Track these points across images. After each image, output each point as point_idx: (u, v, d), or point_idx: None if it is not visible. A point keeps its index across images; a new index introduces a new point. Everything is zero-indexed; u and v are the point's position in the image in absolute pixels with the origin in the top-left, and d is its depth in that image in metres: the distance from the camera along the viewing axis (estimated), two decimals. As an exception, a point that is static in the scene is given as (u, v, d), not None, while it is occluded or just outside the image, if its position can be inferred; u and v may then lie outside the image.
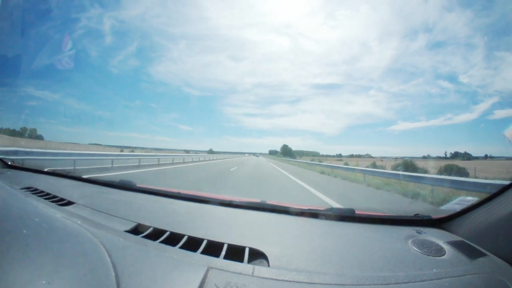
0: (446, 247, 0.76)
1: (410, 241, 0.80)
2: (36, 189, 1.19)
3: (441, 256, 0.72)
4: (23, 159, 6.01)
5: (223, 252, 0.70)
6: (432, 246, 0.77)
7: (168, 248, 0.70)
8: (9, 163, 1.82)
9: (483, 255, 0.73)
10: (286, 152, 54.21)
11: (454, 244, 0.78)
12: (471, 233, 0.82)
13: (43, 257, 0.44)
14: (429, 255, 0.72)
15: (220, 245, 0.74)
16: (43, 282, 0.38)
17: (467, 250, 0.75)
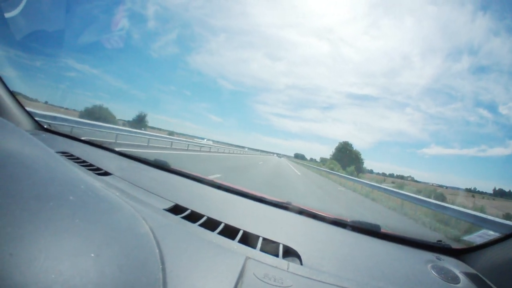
0: (462, 277, 0.78)
1: (429, 265, 0.82)
2: (72, 155, 1.15)
3: (456, 284, 0.74)
4: (59, 125, 6.42)
5: (259, 245, 0.71)
6: (449, 273, 0.79)
7: (207, 232, 0.69)
8: (45, 126, 1.77)
9: None
10: (351, 160, 27.17)
11: (468, 276, 0.80)
12: (485, 268, 0.84)
13: (92, 227, 0.40)
14: (446, 281, 0.74)
15: (255, 237, 0.75)
16: (92, 255, 0.34)
17: (479, 283, 0.77)
